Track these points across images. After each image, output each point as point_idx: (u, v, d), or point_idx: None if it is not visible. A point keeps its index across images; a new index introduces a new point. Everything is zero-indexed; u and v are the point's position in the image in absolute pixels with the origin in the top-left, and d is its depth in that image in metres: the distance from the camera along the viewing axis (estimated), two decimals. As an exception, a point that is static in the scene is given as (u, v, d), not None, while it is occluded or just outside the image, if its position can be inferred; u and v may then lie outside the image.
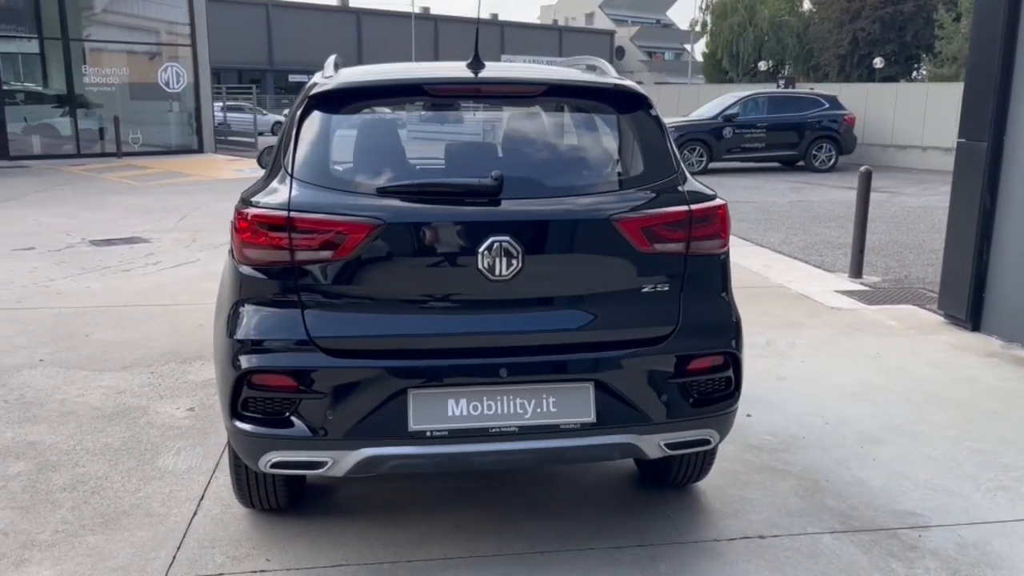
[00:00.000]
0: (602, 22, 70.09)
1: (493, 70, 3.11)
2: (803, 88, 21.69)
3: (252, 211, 2.72)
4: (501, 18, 60.11)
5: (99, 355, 5.35)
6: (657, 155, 2.98)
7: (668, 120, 18.30)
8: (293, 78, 45.81)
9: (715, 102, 19.13)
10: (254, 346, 2.70)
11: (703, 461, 3.41)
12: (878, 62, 37.79)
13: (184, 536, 3.21)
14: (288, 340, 2.68)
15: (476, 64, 3.10)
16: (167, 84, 20.32)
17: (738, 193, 14.58)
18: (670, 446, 2.88)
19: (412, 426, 2.67)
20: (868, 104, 19.89)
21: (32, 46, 19.73)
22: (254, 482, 3.14)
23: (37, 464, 3.81)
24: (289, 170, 2.80)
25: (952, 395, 4.77)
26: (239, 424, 2.74)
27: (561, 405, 2.73)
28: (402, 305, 2.72)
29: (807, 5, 47.57)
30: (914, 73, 43.41)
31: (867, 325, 6.17)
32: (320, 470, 2.74)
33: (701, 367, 2.88)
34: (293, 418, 2.70)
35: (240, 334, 2.72)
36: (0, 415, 4.37)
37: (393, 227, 2.66)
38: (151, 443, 4.05)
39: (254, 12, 45.63)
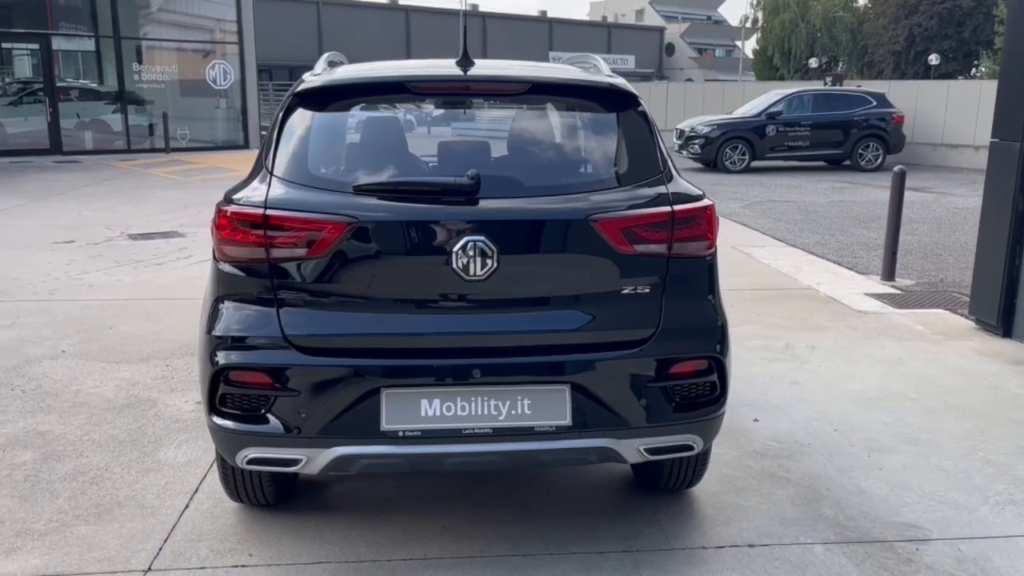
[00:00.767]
0: (652, 19, 69.46)
1: (480, 68, 3.08)
2: (850, 85, 21.22)
3: (231, 208, 2.74)
4: (550, 15, 59.97)
5: (118, 347, 5.46)
6: (643, 154, 2.93)
7: (710, 118, 18.17)
8: (342, 75, 46.14)
9: (759, 100, 18.82)
10: (230, 343, 2.72)
11: (695, 466, 3.35)
12: (934, 58, 36.78)
13: (173, 529, 3.25)
14: (263, 337, 2.70)
15: (465, 61, 3.08)
16: (214, 81, 20.68)
17: (778, 192, 14.33)
18: (650, 451, 2.83)
19: (384, 425, 2.66)
20: (918, 102, 19.37)
21: (88, 44, 20.26)
22: (240, 478, 3.17)
23: (43, 454, 3.89)
24: (270, 168, 2.82)
25: (972, 403, 4.61)
26: (217, 420, 2.77)
27: (536, 407, 2.70)
28: (376, 304, 2.71)
29: (862, 0, 46.53)
30: (973, 70, 42.19)
31: (893, 329, 6.01)
32: (295, 467, 2.75)
33: (683, 371, 2.82)
34: (268, 415, 2.72)
35: (217, 330, 2.75)
36: (16, 404, 4.48)
37: (367, 226, 2.65)
38: (155, 435, 4.11)
39: (305, 10, 46.15)
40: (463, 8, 3.30)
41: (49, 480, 3.64)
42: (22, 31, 19.09)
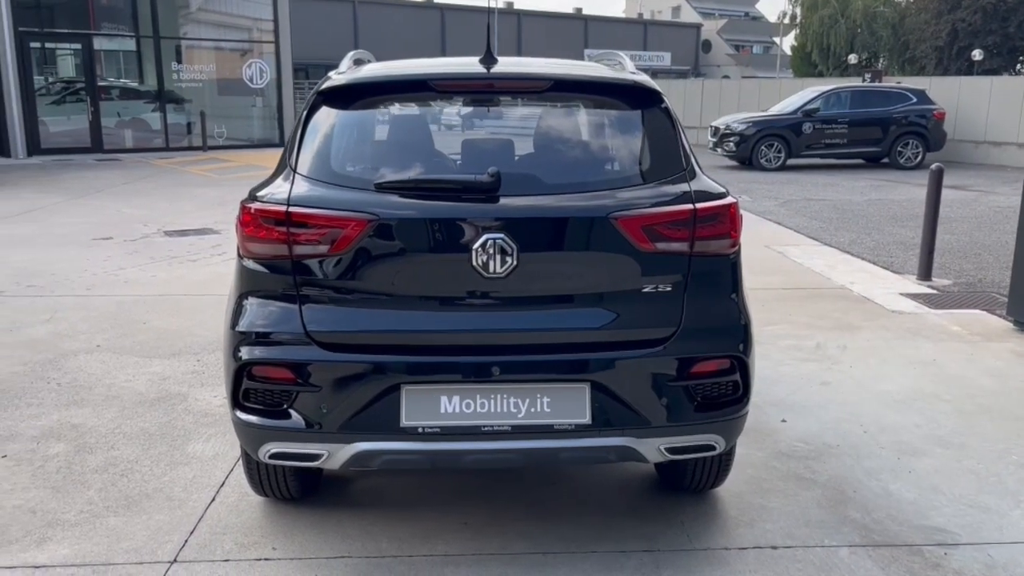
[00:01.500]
0: (688, 15, 68.95)
1: (504, 65, 3.08)
2: (890, 82, 20.87)
3: (254, 205, 2.77)
4: (585, 12, 59.77)
5: (152, 342, 5.55)
6: (665, 152, 2.91)
7: (745, 115, 17.98)
8: (378, 73, 46.43)
9: (795, 97, 18.59)
10: (253, 338, 2.75)
11: (719, 467, 3.32)
12: (977, 54, 36.03)
13: (199, 521, 3.30)
14: (285, 333, 2.72)
15: (488, 59, 3.08)
16: (251, 80, 20.93)
17: (814, 190, 14.15)
18: (671, 450, 2.81)
19: (404, 422, 2.67)
20: (960, 98, 19.00)
21: (129, 44, 20.61)
22: (264, 472, 3.20)
23: (76, 446, 3.97)
24: (293, 166, 2.84)
25: (1007, 406, 4.51)
26: (240, 414, 2.80)
27: (555, 405, 2.70)
28: (397, 301, 2.72)
29: (903, -5, 45.72)
30: (1018, 66, 41.28)
31: (928, 330, 5.90)
32: (316, 462, 2.77)
33: (705, 370, 2.80)
34: (291, 410, 2.74)
35: (241, 326, 2.78)
36: (51, 397, 4.58)
37: (388, 223, 2.67)
38: (185, 429, 4.17)
39: (341, 9, 46.49)
40: (490, 6, 3.29)
41: (81, 472, 3.71)
42: (64, 31, 19.46)
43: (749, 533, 3.24)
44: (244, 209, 2.80)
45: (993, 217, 11.32)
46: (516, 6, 56.64)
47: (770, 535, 3.22)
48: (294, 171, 2.82)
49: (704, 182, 2.91)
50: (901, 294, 6.91)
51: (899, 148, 17.56)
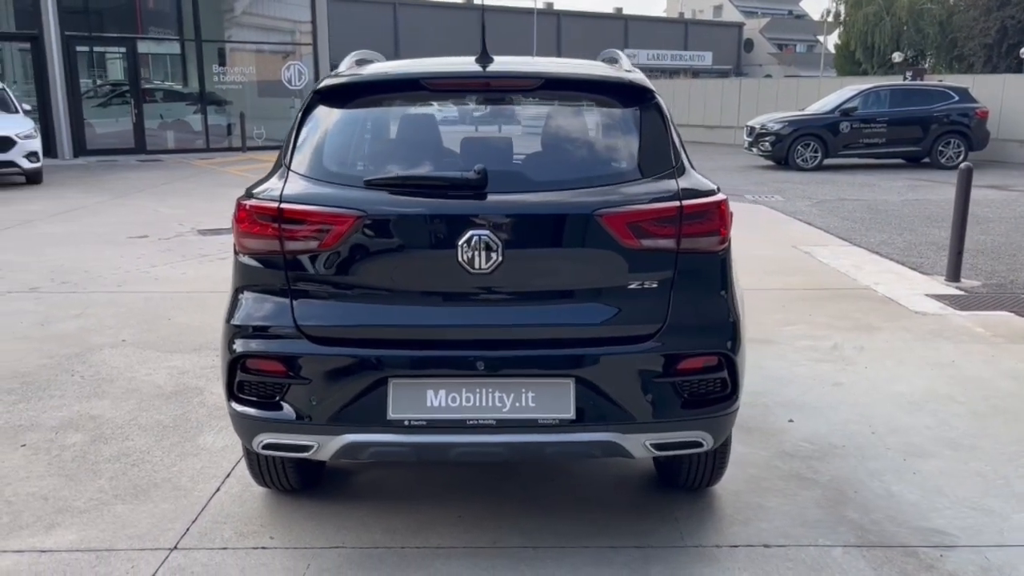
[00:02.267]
0: (731, 14, 68.28)
1: (498, 64, 3.12)
2: (932, 80, 20.47)
3: (249, 202, 2.84)
4: (625, 12, 59.54)
5: (174, 337, 5.68)
6: (655, 149, 2.92)
7: (781, 114, 17.77)
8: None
9: (834, 95, 18.32)
10: (246, 331, 2.82)
11: (714, 464, 3.31)
12: (1027, 52, 35.11)
13: (202, 511, 3.38)
14: (277, 327, 2.79)
15: (483, 58, 3.12)
16: (289, 81, 21.26)
17: (849, 190, 13.95)
18: (657, 447, 2.82)
19: (391, 414, 2.72)
20: (1005, 96, 18.56)
21: (172, 48, 21.07)
22: (264, 463, 3.28)
23: (92, 436, 4.09)
24: (288, 164, 2.91)
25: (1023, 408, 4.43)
26: (235, 406, 2.88)
27: (540, 400, 2.72)
28: (386, 296, 2.77)
29: (951, -9, 44.73)
30: (1071, 63, 40.12)
31: (950, 331, 5.80)
32: (307, 453, 2.83)
33: (691, 367, 2.80)
34: (282, 402, 2.81)
35: (235, 320, 2.86)
36: (74, 390, 4.72)
37: (376, 219, 2.72)
38: (198, 421, 4.28)
39: (381, 11, 46.92)
40: (535, 8, 3.32)
41: (95, 461, 3.83)
42: (110, 35, 19.94)
43: (743, 531, 3.23)
44: (239, 206, 2.87)
45: (1033, 218, 11.06)
46: (556, 7, 56.60)
47: (764, 534, 3.21)
48: (289, 169, 2.89)
49: (694, 179, 2.91)
50: (926, 295, 6.80)
51: (940, 148, 17.21)
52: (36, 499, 3.48)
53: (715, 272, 2.87)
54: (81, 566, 3.00)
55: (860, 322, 6.03)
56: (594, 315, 2.77)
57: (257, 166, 17.47)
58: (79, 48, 19.16)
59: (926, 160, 17.50)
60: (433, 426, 2.73)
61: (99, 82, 20.80)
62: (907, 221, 10.79)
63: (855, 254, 8.58)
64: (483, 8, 3.31)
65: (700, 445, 2.87)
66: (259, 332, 2.81)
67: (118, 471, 3.73)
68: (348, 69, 3.30)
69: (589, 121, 3.08)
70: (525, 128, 3.09)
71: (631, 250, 2.73)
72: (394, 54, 49.83)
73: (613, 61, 3.49)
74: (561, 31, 52.71)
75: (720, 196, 2.87)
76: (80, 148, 18.87)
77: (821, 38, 59.54)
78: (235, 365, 2.83)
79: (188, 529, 3.25)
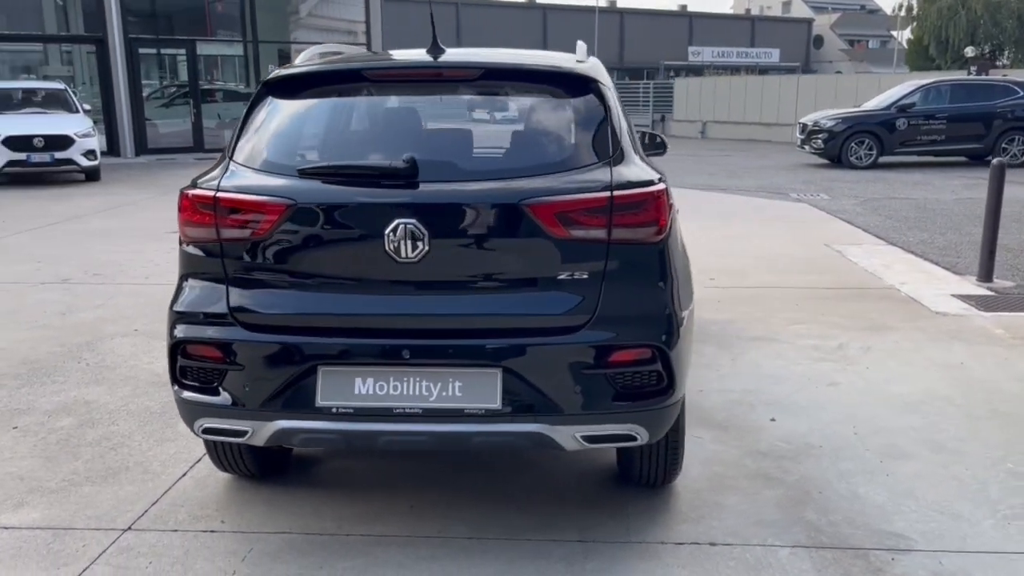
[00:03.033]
0: (800, 10, 66.81)
1: (447, 56, 3.12)
2: (997, 75, 19.68)
3: (190, 192, 2.91)
4: (690, 9, 58.81)
5: (184, 328, 5.83)
6: (593, 138, 2.88)
7: (835, 111, 17.29)
8: (479, 74, 46.98)
9: (891, 91, 17.76)
10: (186, 318, 2.89)
11: (667, 461, 3.26)
12: (1111, 44, 33.50)
13: (164, 494, 3.47)
14: (213, 314, 2.85)
15: (434, 49, 3.13)
16: (343, 81, 21.58)
17: (901, 189, 13.52)
18: (588, 439, 2.78)
19: (319, 402, 2.75)
20: (1076, 91, 17.72)
21: (228, 49, 21.62)
22: (220, 449, 3.35)
23: (81, 420, 4.23)
24: (230, 155, 2.97)
25: (1023, 412, 4.24)
26: (177, 390, 2.95)
27: (467, 390, 2.72)
28: (315, 284, 2.81)
29: (1031, -17, 42.96)
30: None
31: (967, 332, 5.58)
32: (242, 438, 2.88)
33: (623, 359, 2.76)
34: (220, 387, 2.86)
35: (177, 306, 2.93)
36: (76, 376, 4.89)
37: (305, 208, 2.75)
38: (184, 409, 4.38)
39: (444, 10, 47.32)
40: (597, 6, 3.33)
41: (77, 444, 3.96)
42: (170, 37, 20.58)
43: (692, 529, 3.17)
44: (182, 195, 2.94)
45: (1090, 217, 10.56)
46: (619, 4, 56.22)
47: (713, 532, 3.15)
48: (230, 159, 2.95)
49: (634, 169, 2.86)
50: (952, 295, 6.55)
51: (1003, 145, 16.54)
52: (13, 479, 3.62)
53: (651, 263, 2.82)
54: (37, 543, 3.11)
55: (875, 322, 5.84)
56: (522, 305, 2.75)
57: (307, 164, 17.81)
58: (142, 50, 19.81)
59: (989, 158, 16.81)
60: (360, 414, 2.75)
61: (163, 83, 21.47)
62: (954, 220, 10.42)
63: (888, 253, 8.31)
64: (430, 1, 3.32)
65: (634, 439, 2.82)
66: (197, 319, 2.88)
67: (96, 454, 3.85)
68: (307, 62, 3.34)
69: (526, 111, 3.06)
70: (466, 119, 3.09)
71: (560, 240, 2.71)
72: (456, 54, 50.05)
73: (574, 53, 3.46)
74: (624, 29, 52.36)
75: (657, 187, 2.82)
76: (142, 147, 19.50)
77: (895, 33, 57.84)
78: (176, 350, 2.90)
79: (147, 511, 3.33)
